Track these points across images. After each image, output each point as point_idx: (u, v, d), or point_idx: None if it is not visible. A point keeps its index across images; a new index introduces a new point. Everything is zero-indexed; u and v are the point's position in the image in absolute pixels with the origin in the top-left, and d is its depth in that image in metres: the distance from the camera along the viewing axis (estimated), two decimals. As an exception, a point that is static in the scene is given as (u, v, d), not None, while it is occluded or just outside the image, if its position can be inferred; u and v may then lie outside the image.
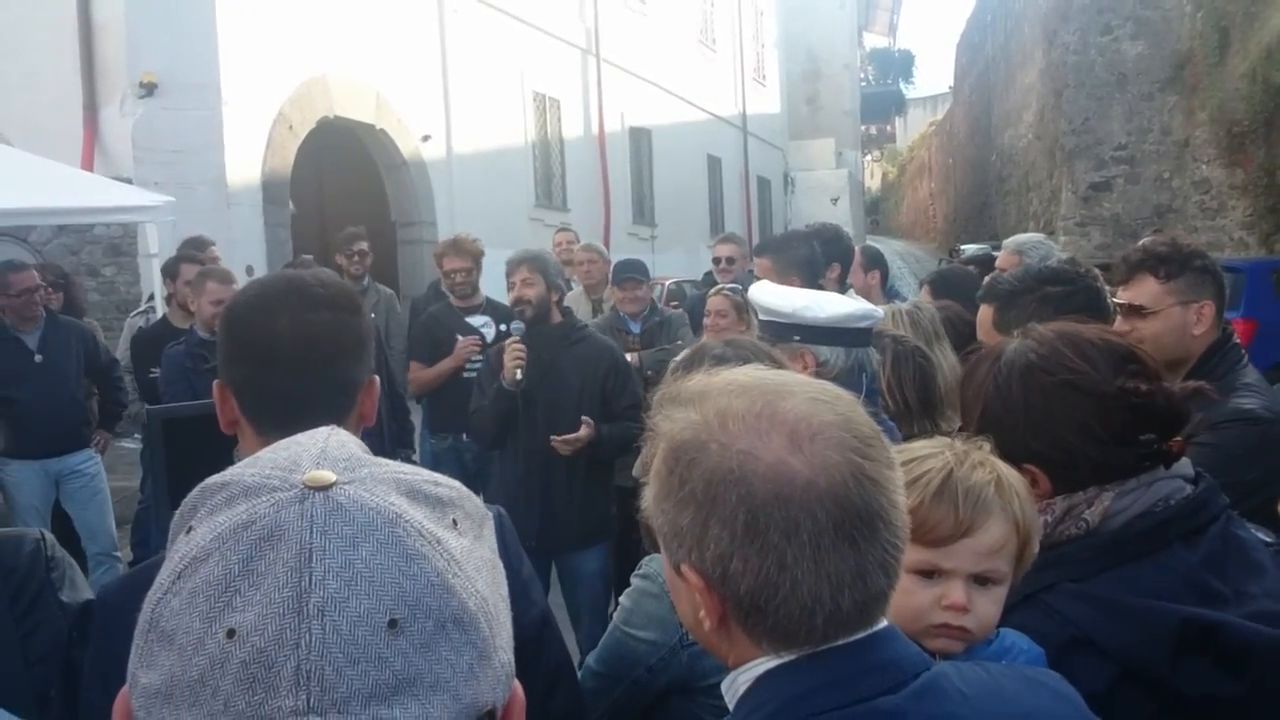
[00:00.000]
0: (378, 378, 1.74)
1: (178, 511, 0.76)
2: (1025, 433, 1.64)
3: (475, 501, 0.81)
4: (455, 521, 0.76)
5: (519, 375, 4.32)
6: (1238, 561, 1.61)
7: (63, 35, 10.48)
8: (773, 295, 2.85)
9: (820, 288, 4.06)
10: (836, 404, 1.11)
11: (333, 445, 0.77)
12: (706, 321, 4.87)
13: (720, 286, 5.19)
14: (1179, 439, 1.65)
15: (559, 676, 1.78)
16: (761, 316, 2.83)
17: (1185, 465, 1.68)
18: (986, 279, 3.56)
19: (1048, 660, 1.49)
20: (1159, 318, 2.73)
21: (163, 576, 0.71)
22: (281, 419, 1.54)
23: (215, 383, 1.67)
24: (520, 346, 4.34)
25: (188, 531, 0.73)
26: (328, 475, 0.71)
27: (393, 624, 0.67)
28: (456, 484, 0.79)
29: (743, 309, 4.65)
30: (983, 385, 1.76)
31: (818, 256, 4.40)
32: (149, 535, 6.28)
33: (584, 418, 4.35)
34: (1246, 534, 1.68)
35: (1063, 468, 1.64)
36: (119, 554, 6.12)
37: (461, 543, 0.74)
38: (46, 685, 2.11)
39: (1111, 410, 1.62)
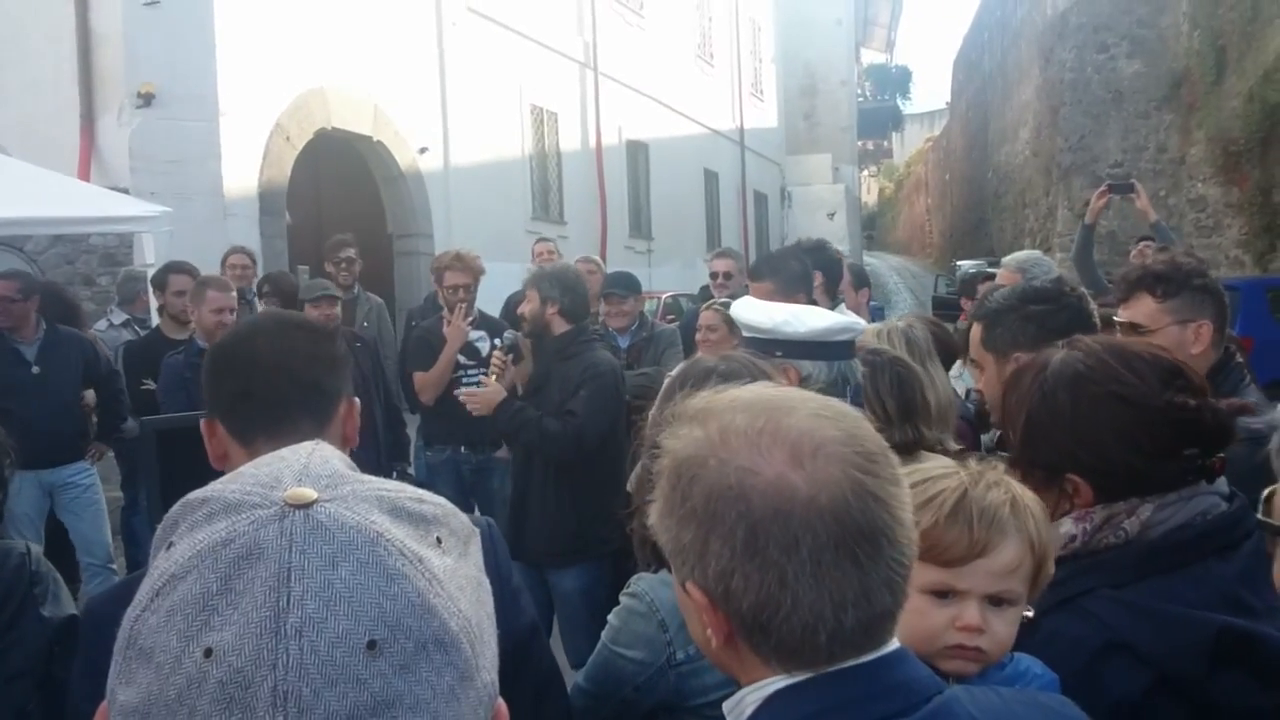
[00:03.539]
0: (358, 400, 1.80)
1: (159, 527, 0.75)
2: (1070, 442, 1.66)
3: (461, 518, 0.80)
4: (439, 539, 0.75)
5: (494, 382, 4.50)
6: (1269, 578, 1.63)
7: (61, 45, 10.48)
8: (753, 311, 2.86)
9: (813, 301, 4.08)
10: (840, 420, 1.10)
11: (315, 462, 0.76)
12: (698, 337, 4.87)
13: (711, 301, 5.18)
14: (1221, 456, 1.66)
15: (548, 687, 1.81)
16: (744, 333, 2.83)
17: (1221, 483, 1.70)
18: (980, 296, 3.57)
19: (1083, 665, 1.50)
20: (1156, 337, 2.72)
21: (141, 593, 0.71)
22: (268, 426, 1.63)
23: (202, 421, 1.75)
24: (500, 356, 4.43)
25: (168, 547, 0.72)
26: (308, 493, 0.71)
27: (372, 645, 0.66)
28: (442, 500, 0.79)
29: (734, 323, 4.65)
30: (1027, 394, 1.77)
31: (809, 270, 4.45)
32: (141, 545, 6.27)
33: (483, 376, 4.51)
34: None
35: (1105, 477, 1.66)
36: (114, 565, 6.10)
37: (445, 561, 0.73)
38: (25, 700, 2.10)
39: (1157, 423, 1.63)
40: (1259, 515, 1.64)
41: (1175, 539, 1.61)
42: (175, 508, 0.75)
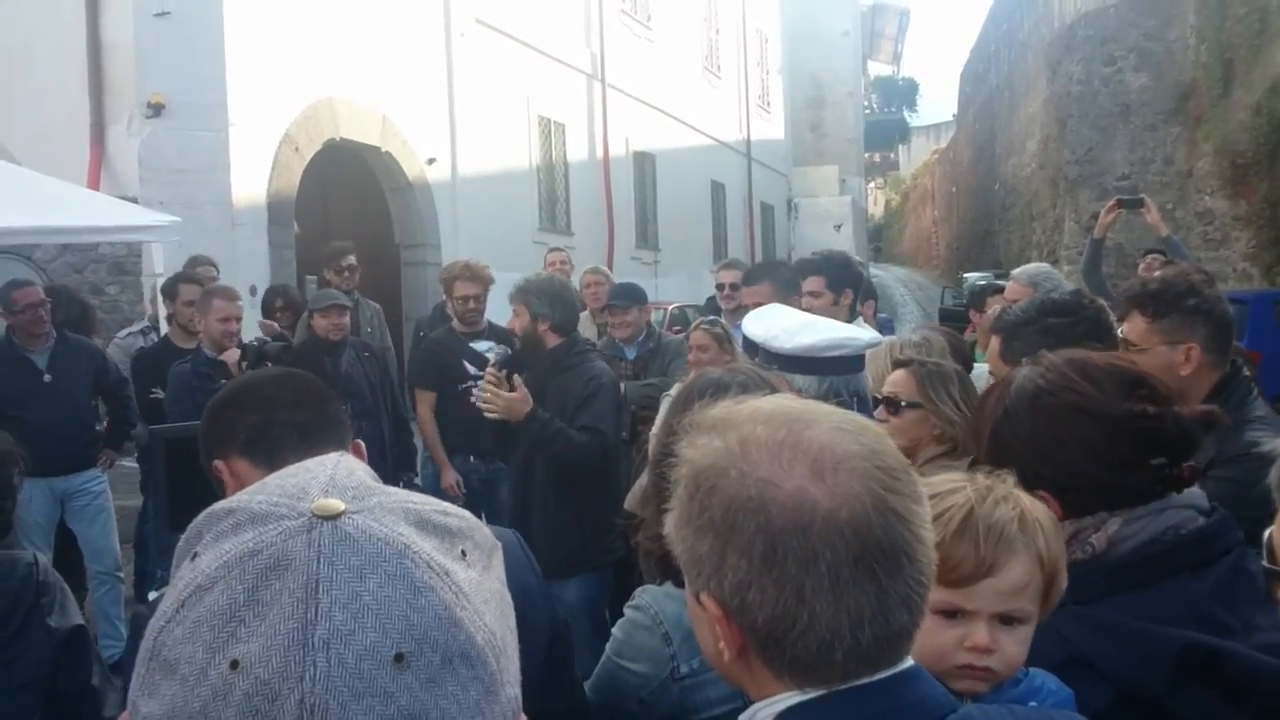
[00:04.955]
0: (362, 443, 1.84)
1: (183, 537, 0.75)
2: (1033, 457, 1.63)
3: (484, 531, 0.79)
4: (464, 552, 0.75)
5: (488, 397, 4.45)
6: (1248, 595, 1.59)
7: (71, 55, 10.53)
8: (752, 324, 2.90)
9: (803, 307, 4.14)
10: (862, 434, 1.09)
11: (341, 473, 0.76)
12: (690, 357, 4.90)
13: (699, 321, 5.23)
14: (1191, 464, 1.63)
15: (575, 689, 1.86)
16: (759, 345, 2.87)
17: (1199, 497, 1.67)
18: (998, 310, 3.58)
19: None
20: (1146, 355, 2.72)
21: (166, 604, 0.70)
22: (298, 447, 1.66)
23: (215, 464, 1.78)
24: (494, 372, 4.43)
25: (192, 558, 0.72)
26: (336, 504, 0.70)
27: (399, 658, 0.66)
28: (466, 514, 0.78)
29: (723, 341, 4.71)
30: (992, 412, 1.76)
31: (797, 277, 4.56)
32: (149, 553, 6.27)
33: (517, 378, 4.33)
34: (1259, 568, 1.64)
35: (1070, 492, 1.63)
36: (121, 574, 6.10)
37: (470, 574, 0.73)
38: (30, 710, 2.11)
39: (1119, 433, 1.61)
40: (1264, 563, 1.61)
41: (1144, 554, 1.58)
42: (200, 518, 0.74)
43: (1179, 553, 1.59)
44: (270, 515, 0.70)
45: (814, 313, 4.30)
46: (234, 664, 0.65)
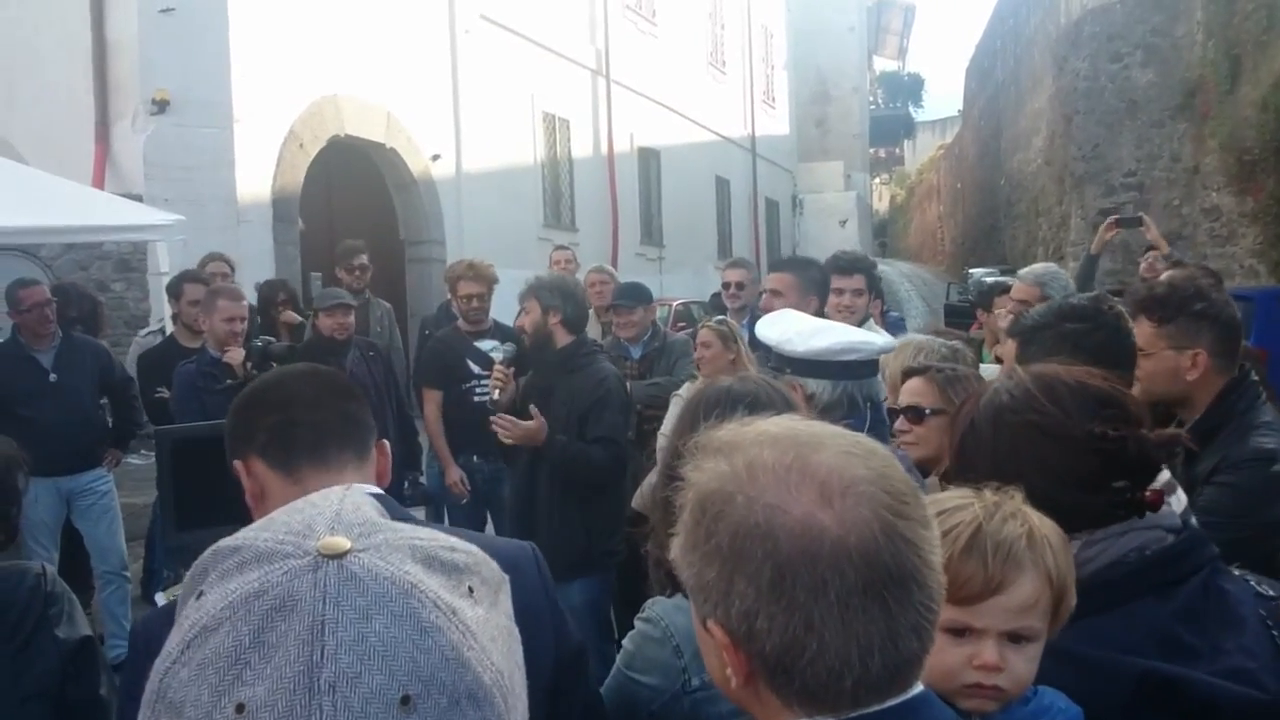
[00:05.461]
0: (387, 442, 1.81)
1: (188, 574, 0.74)
2: (993, 474, 1.58)
3: (492, 566, 0.79)
4: (471, 589, 0.74)
5: (495, 395, 4.52)
6: (1217, 615, 1.56)
7: (76, 52, 10.53)
8: (765, 327, 2.87)
9: (821, 311, 4.12)
10: (870, 458, 1.07)
11: (347, 508, 0.75)
12: (695, 355, 4.90)
13: (706, 319, 5.27)
14: (1155, 489, 1.60)
15: (590, 711, 1.82)
16: (771, 348, 2.86)
17: (1170, 515, 1.64)
18: (1013, 313, 3.56)
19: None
20: (1152, 360, 2.72)
21: (171, 645, 0.70)
22: (313, 453, 1.64)
23: (235, 463, 1.74)
24: (501, 369, 4.41)
25: (198, 596, 0.71)
26: (342, 542, 0.70)
27: (406, 700, 0.65)
28: (473, 548, 0.78)
29: (728, 339, 4.69)
30: (961, 424, 1.74)
31: (828, 280, 4.50)
32: (155, 552, 6.27)
33: (532, 408, 4.30)
34: (1234, 587, 1.63)
35: None
36: (128, 573, 6.11)
37: (477, 612, 0.73)
38: (39, 720, 2.11)
39: (1079, 455, 1.58)
40: None
41: (1104, 578, 1.55)
42: (206, 554, 0.74)
43: (1142, 575, 1.56)
44: (276, 553, 0.70)
45: (854, 311, 4.32)
46: (240, 708, 0.64)
